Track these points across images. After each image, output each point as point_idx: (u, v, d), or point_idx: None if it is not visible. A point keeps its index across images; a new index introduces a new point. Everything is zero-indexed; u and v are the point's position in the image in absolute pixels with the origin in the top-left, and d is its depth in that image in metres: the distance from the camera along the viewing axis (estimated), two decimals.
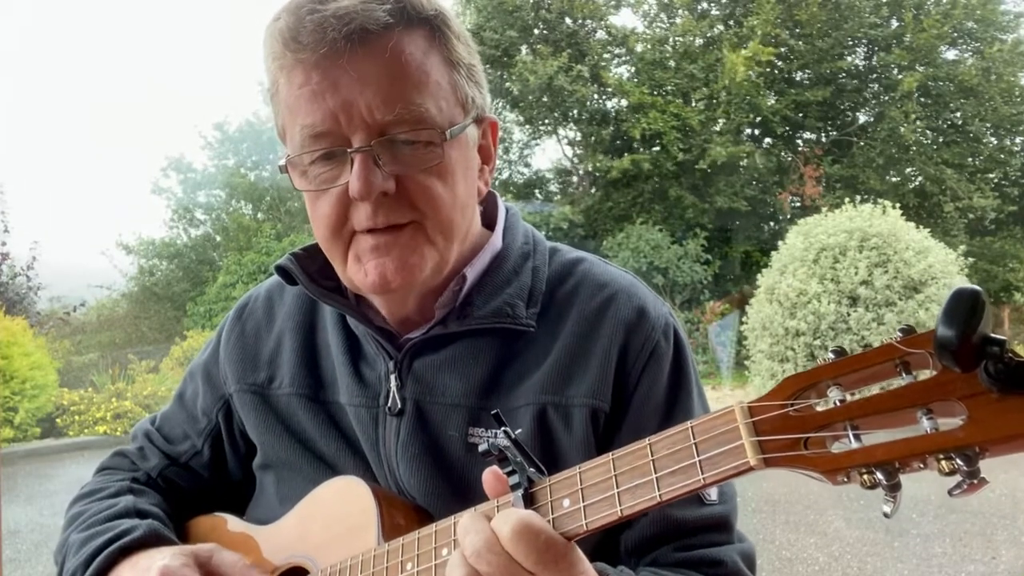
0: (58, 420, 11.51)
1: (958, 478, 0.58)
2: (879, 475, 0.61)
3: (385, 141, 0.96)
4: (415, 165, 0.98)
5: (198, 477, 1.33)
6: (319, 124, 0.96)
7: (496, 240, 1.16)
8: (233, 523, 1.25)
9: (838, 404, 0.65)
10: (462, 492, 1.06)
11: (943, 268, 11.00)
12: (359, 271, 1.02)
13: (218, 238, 20.56)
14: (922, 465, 0.60)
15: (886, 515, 0.62)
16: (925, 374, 0.62)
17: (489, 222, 1.20)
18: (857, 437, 0.64)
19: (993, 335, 0.56)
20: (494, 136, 1.13)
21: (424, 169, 0.99)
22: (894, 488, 0.61)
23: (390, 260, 1.00)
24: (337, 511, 1.08)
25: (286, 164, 1.02)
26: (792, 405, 0.67)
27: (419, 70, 0.97)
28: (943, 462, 0.58)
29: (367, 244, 1.00)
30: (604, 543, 1.08)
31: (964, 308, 0.56)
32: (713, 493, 1.08)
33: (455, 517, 0.90)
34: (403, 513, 1.05)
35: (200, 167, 21.25)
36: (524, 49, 18.62)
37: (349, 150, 0.96)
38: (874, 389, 0.65)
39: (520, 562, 0.78)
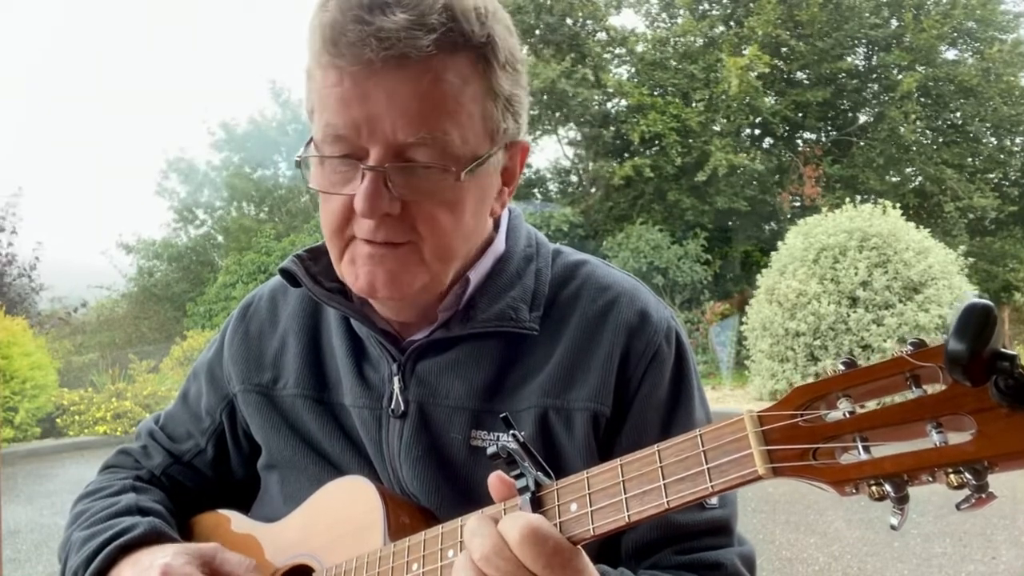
0: (58, 420, 11.51)
1: (966, 492, 0.59)
2: (888, 487, 0.62)
3: (399, 165, 0.96)
4: (425, 193, 0.98)
5: (202, 476, 1.33)
6: (340, 128, 0.96)
7: (499, 243, 1.16)
8: (237, 521, 1.26)
9: (848, 415, 0.66)
10: (465, 494, 1.06)
11: (943, 268, 11.01)
12: (352, 272, 1.03)
13: (219, 238, 20.56)
14: (931, 478, 0.61)
15: (893, 527, 0.62)
16: (935, 388, 0.62)
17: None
18: (866, 449, 0.64)
19: (1004, 350, 0.56)
20: (522, 159, 1.12)
21: (433, 198, 0.98)
22: (902, 500, 0.61)
23: (381, 271, 1.01)
24: (343, 510, 1.08)
25: (305, 156, 1.02)
26: (802, 415, 0.68)
27: (453, 100, 0.95)
28: (952, 476, 0.58)
29: (363, 251, 1.01)
30: (605, 547, 1.08)
31: (976, 323, 0.56)
32: (713, 497, 1.08)
33: (462, 519, 0.91)
34: (409, 513, 1.06)
35: (203, 166, 21.27)
36: (526, 51, 18.60)
37: (362, 165, 0.96)
38: (884, 401, 0.65)
39: (528, 567, 0.78)
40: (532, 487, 0.84)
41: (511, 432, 0.86)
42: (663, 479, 0.75)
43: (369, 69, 0.92)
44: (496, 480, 0.87)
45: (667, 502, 0.74)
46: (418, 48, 0.92)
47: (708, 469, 0.72)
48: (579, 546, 0.81)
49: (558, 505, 0.82)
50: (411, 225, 0.99)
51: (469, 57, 0.97)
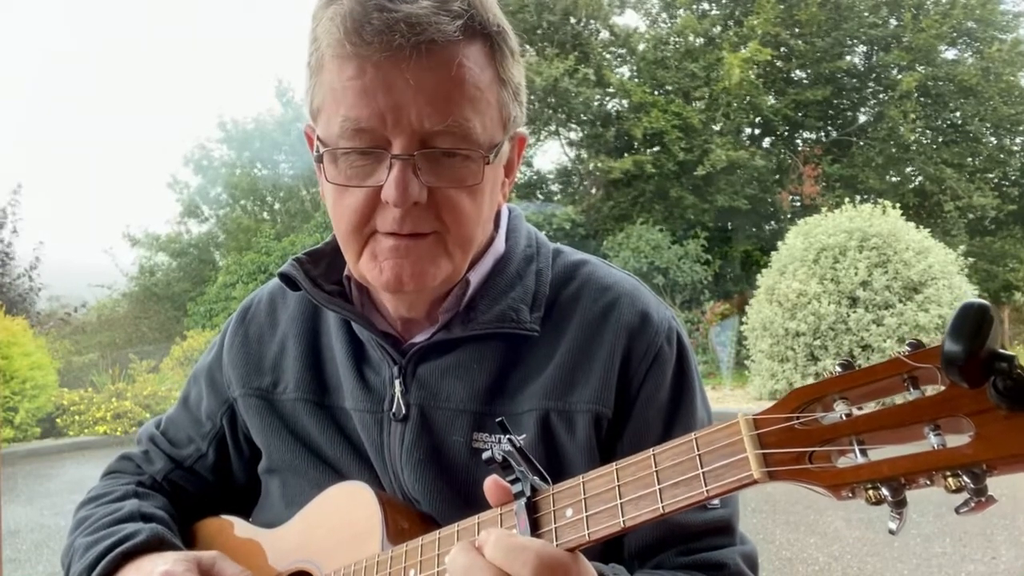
0: (58, 420, 11.53)
1: (965, 495, 0.58)
2: (884, 491, 0.60)
3: (427, 153, 0.96)
4: (451, 180, 0.98)
5: (203, 481, 1.33)
6: (363, 121, 0.94)
7: (499, 243, 1.16)
8: (239, 526, 1.26)
9: (844, 418, 0.65)
10: (466, 497, 1.06)
11: (943, 268, 11.01)
12: (374, 268, 1.02)
13: (222, 236, 20.59)
14: (929, 482, 0.60)
15: (891, 532, 0.61)
16: (933, 389, 0.61)
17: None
18: (863, 452, 0.63)
19: (1002, 351, 0.55)
20: (520, 150, 1.12)
21: (458, 186, 0.98)
22: (900, 505, 0.60)
23: (407, 264, 1.00)
24: (342, 516, 1.08)
25: (326, 150, 0.99)
26: (798, 418, 0.67)
27: (474, 86, 0.96)
28: (950, 479, 0.57)
29: (387, 244, 1.00)
30: (607, 548, 1.07)
31: (971, 323, 0.55)
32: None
33: (458, 525, 0.90)
34: (408, 519, 1.05)
35: (205, 165, 21.26)
36: (530, 50, 18.62)
37: (390, 155, 0.95)
38: (882, 403, 0.64)
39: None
40: (528, 492, 0.83)
41: (508, 436, 0.85)
42: (658, 484, 0.74)
43: (396, 56, 0.91)
44: (492, 485, 0.86)
45: (662, 507, 0.74)
46: (445, 34, 0.92)
47: (703, 473, 0.71)
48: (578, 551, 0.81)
49: (554, 510, 0.82)
50: (436, 214, 0.99)
51: (486, 44, 0.98)
